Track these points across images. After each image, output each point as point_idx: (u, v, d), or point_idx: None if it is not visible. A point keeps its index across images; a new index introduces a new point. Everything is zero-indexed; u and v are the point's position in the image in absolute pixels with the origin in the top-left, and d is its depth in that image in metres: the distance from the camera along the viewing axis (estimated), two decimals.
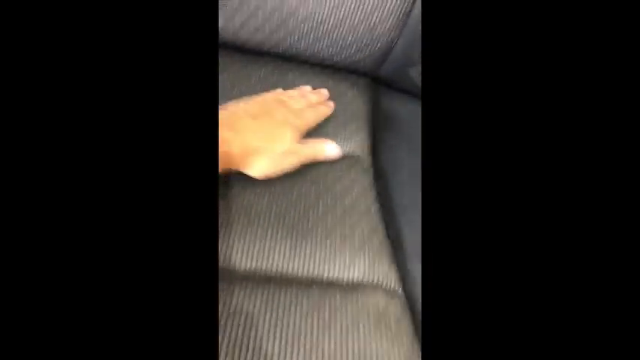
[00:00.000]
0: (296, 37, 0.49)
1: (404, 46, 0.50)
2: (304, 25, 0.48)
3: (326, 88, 0.51)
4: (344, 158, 0.46)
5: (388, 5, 0.45)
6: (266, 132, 0.38)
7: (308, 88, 0.50)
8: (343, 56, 0.52)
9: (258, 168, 0.38)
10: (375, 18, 0.46)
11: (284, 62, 0.53)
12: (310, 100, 0.46)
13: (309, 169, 0.42)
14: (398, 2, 0.45)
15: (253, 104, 0.41)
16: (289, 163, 0.40)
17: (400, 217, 0.47)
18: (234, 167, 0.37)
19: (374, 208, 0.43)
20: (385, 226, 0.43)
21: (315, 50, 0.51)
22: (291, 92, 0.46)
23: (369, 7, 0.45)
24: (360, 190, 0.44)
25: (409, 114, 0.56)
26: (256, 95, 0.43)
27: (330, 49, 0.51)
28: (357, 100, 0.52)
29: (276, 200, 0.39)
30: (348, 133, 0.49)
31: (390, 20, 0.46)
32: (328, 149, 0.43)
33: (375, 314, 0.34)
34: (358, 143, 0.49)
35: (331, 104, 0.49)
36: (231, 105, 0.40)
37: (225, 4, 0.46)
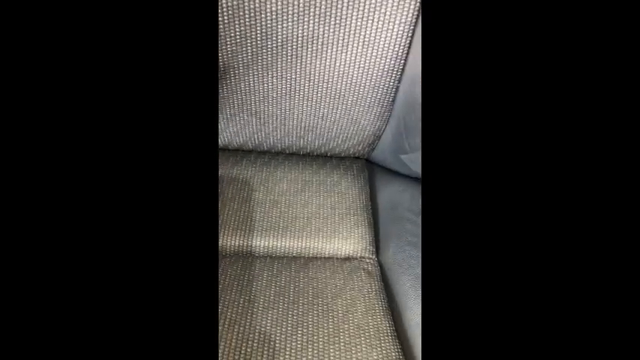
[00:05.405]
0: (279, 136, 0.50)
1: (393, 134, 0.49)
2: (287, 126, 0.49)
3: (318, 178, 0.51)
4: (345, 261, 0.45)
5: (369, 99, 0.45)
6: None
7: None
8: (331, 146, 0.52)
9: None
10: (356, 111, 0.47)
11: (272, 157, 0.53)
12: None
13: (306, 283, 0.41)
14: (378, 95, 0.45)
15: None
16: None
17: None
18: None
19: (384, 324, 0.39)
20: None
21: (302, 144, 0.51)
22: None
23: (349, 102, 0.46)
24: (367, 304, 0.40)
25: (410, 200, 0.52)
26: None
27: (317, 142, 0.51)
28: (352, 189, 0.51)
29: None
30: (346, 230, 0.47)
31: (373, 111, 0.47)
32: None
33: None
34: (358, 241, 0.47)
35: None
36: None
37: None
